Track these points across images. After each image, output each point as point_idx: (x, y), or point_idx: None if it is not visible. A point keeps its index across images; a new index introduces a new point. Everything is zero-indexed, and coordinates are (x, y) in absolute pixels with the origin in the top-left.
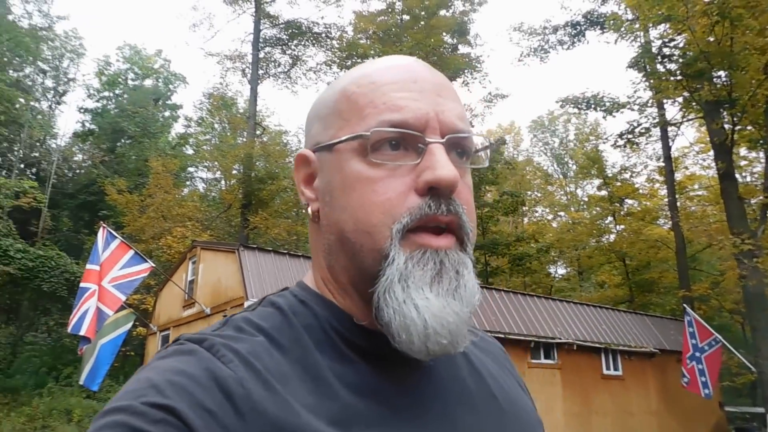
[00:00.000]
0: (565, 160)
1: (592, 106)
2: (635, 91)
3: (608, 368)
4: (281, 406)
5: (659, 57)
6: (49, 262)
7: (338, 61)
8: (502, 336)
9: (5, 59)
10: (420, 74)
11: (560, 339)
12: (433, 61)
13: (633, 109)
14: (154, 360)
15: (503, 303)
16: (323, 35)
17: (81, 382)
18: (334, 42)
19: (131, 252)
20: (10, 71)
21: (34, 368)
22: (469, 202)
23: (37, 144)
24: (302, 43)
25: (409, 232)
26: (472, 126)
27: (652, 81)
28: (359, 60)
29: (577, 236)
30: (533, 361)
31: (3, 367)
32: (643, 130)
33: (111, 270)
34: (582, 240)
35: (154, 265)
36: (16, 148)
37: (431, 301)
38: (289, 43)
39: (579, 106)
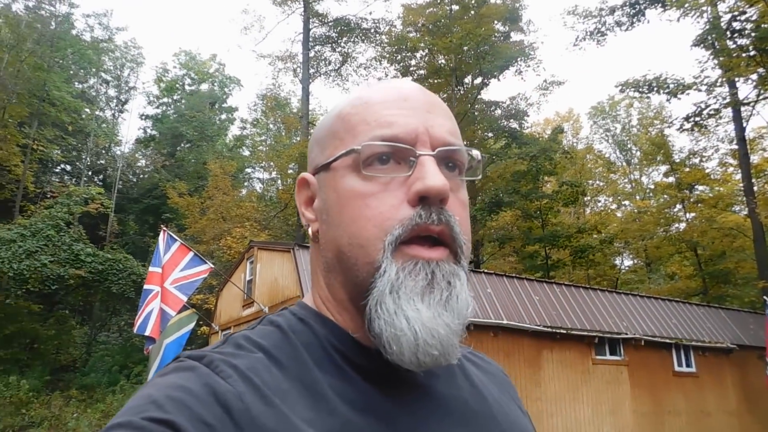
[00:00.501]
0: (628, 146)
1: (655, 88)
2: (702, 71)
3: (680, 365)
4: (280, 420)
5: (729, 32)
6: (117, 264)
7: (388, 55)
8: (564, 331)
9: (71, 72)
10: (411, 93)
11: (627, 334)
12: (484, 51)
13: (700, 90)
14: (155, 377)
15: (564, 297)
16: (372, 31)
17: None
18: (383, 37)
19: (191, 254)
20: (76, 83)
21: (107, 366)
22: (462, 215)
23: (103, 151)
24: (351, 39)
25: (401, 245)
26: (521, 116)
27: (721, 59)
28: (409, 54)
29: (643, 226)
30: (598, 357)
31: (79, 366)
32: (712, 112)
33: (172, 272)
34: (649, 230)
35: (213, 266)
36: (83, 157)
37: (422, 312)
38: (339, 41)
39: (640, 89)
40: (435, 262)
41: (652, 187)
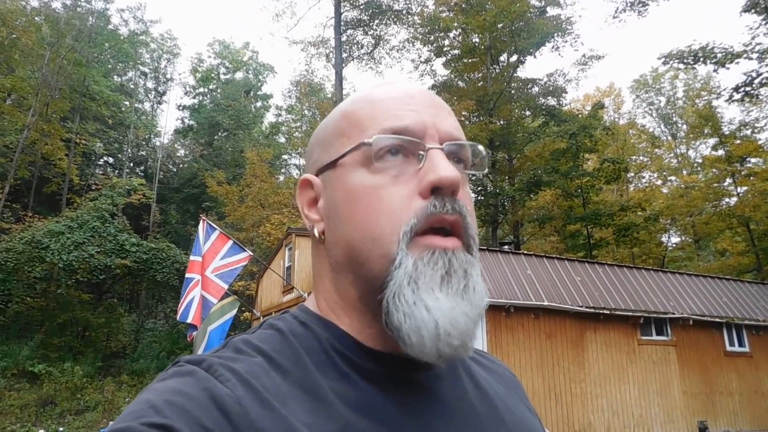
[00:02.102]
0: (674, 119)
1: (701, 59)
2: (753, 38)
3: (732, 344)
4: (279, 424)
5: None
6: (160, 253)
7: (421, 37)
8: (608, 312)
9: (109, 66)
10: (416, 92)
11: (673, 314)
12: (519, 28)
13: (751, 58)
14: (153, 382)
15: (607, 277)
16: (404, 12)
17: None
18: (416, 18)
19: (230, 242)
20: (115, 77)
21: (155, 353)
22: (470, 209)
23: (143, 143)
24: (383, 22)
25: (416, 236)
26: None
27: None
28: (442, 34)
29: (691, 201)
30: (644, 338)
31: (129, 352)
32: (764, 81)
33: (213, 260)
34: (697, 205)
35: (252, 253)
36: (125, 149)
37: (441, 302)
38: (371, 24)
39: (685, 60)
40: (451, 251)
41: (700, 161)
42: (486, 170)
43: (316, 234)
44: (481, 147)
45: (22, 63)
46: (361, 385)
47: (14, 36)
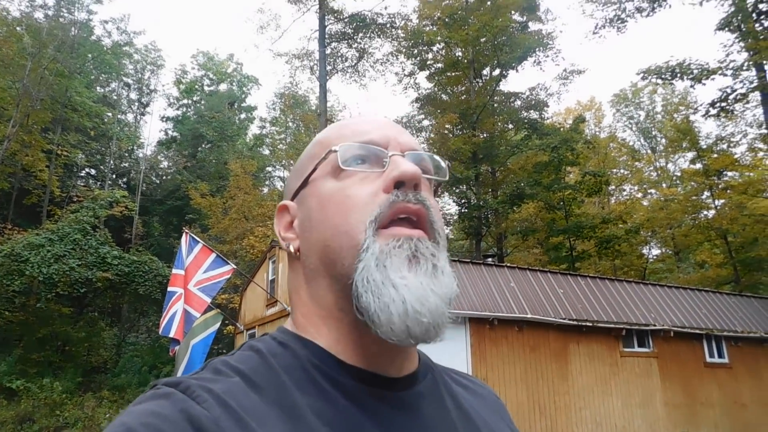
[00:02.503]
0: (653, 133)
1: (678, 75)
2: (728, 55)
3: (712, 356)
4: None
5: (755, 14)
6: (143, 266)
7: (404, 50)
8: (590, 324)
9: (92, 77)
10: (380, 118)
11: (655, 326)
12: (502, 42)
13: (726, 75)
14: (131, 405)
15: (590, 290)
16: (388, 26)
17: None
18: (399, 31)
19: (213, 255)
20: (98, 88)
21: (137, 367)
22: (434, 208)
23: (126, 154)
24: (367, 35)
25: (381, 228)
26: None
27: (749, 41)
28: (425, 48)
29: (670, 214)
30: (626, 350)
31: (110, 367)
32: (739, 96)
33: (195, 274)
34: (676, 218)
35: (235, 267)
36: (107, 160)
37: (409, 280)
38: (355, 37)
39: (663, 76)
40: (417, 238)
41: (679, 174)
42: (447, 177)
43: (292, 250)
44: (439, 158)
45: (2, 73)
46: (340, 402)
47: None
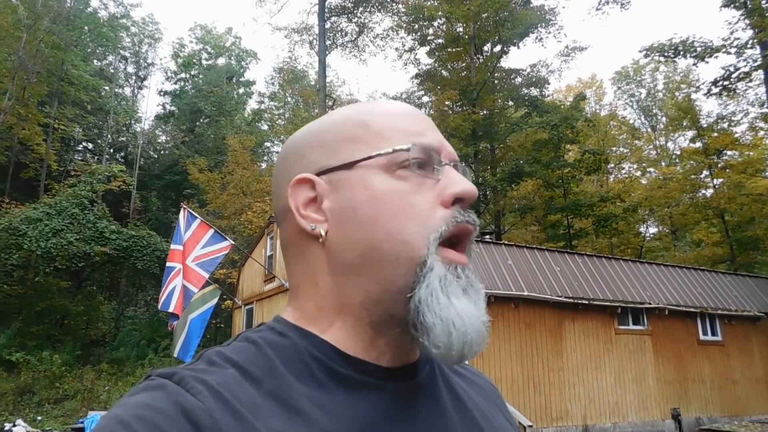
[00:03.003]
0: (654, 112)
1: (681, 52)
2: (732, 32)
3: (705, 333)
4: None
5: None
6: (141, 241)
7: (405, 25)
8: (586, 302)
9: (88, 50)
10: (420, 113)
11: (650, 304)
12: (504, 18)
13: (729, 53)
14: (124, 397)
15: (586, 268)
16: (388, 0)
17: (175, 355)
18: (400, 6)
19: (211, 231)
20: (95, 61)
21: (135, 341)
22: None
23: (124, 129)
24: (368, 9)
25: (439, 245)
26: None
27: (754, 18)
28: (426, 23)
29: (668, 193)
30: (621, 327)
31: (108, 341)
32: (742, 75)
33: (194, 249)
34: (674, 196)
35: (233, 242)
36: (104, 134)
37: (469, 308)
38: (355, 11)
39: (666, 54)
40: (465, 267)
41: (678, 153)
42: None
43: (322, 233)
44: (467, 169)
45: None
46: (339, 393)
47: None
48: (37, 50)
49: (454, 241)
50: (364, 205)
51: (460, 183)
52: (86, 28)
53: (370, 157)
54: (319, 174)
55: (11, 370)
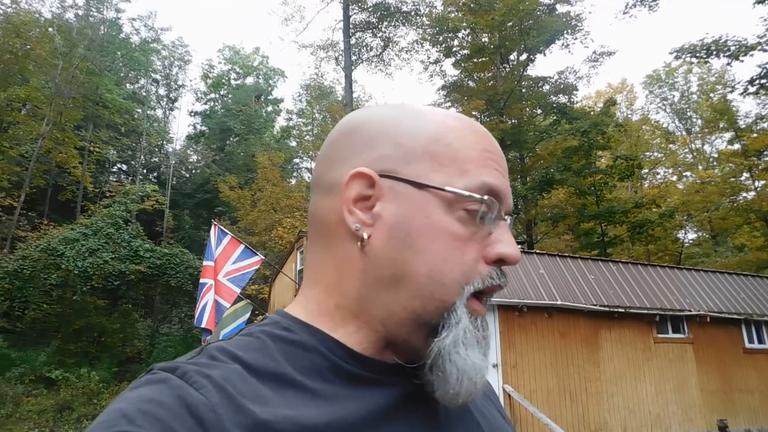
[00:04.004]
0: (688, 114)
1: (714, 52)
2: (767, 29)
3: (751, 341)
4: (255, 430)
5: None
6: (174, 259)
7: (429, 37)
8: (622, 310)
9: (121, 74)
10: (493, 142)
11: (690, 311)
12: (529, 26)
13: (766, 50)
14: (126, 391)
15: (621, 275)
16: (412, 13)
17: None
18: (424, 19)
19: (242, 246)
20: (127, 85)
21: (170, 357)
22: None
23: (156, 149)
24: (392, 24)
25: (470, 296)
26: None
27: None
28: (451, 35)
29: (707, 197)
30: (660, 336)
31: (144, 357)
32: None
33: (225, 265)
34: (713, 200)
35: (264, 257)
36: (137, 155)
37: (481, 360)
38: (379, 26)
39: (698, 54)
40: (483, 317)
41: (716, 155)
42: None
43: (365, 237)
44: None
45: (35, 73)
46: (345, 387)
47: (28, 47)
48: (73, 76)
49: (478, 294)
50: (419, 232)
51: (509, 246)
52: (119, 53)
53: (443, 189)
54: (382, 175)
55: (51, 387)
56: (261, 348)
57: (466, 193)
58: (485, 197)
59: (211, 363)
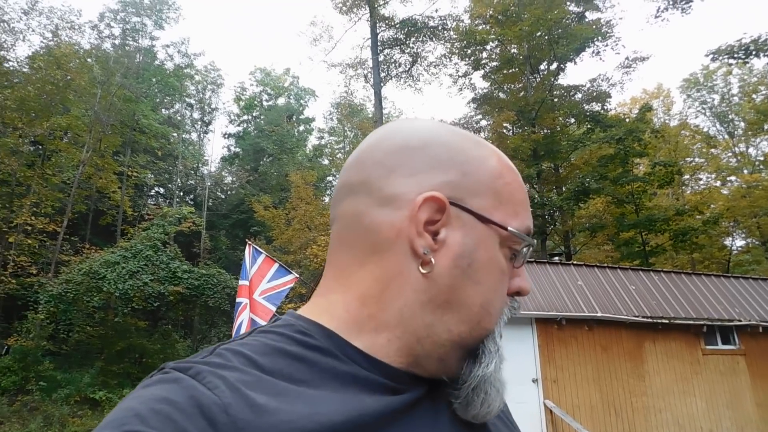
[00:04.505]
0: (730, 117)
1: (753, 52)
2: None
3: None
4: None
5: None
6: (211, 279)
7: (458, 51)
8: (667, 321)
9: (156, 100)
10: (522, 184)
11: (740, 321)
12: (558, 35)
13: None
14: (137, 389)
15: (665, 285)
16: (440, 28)
17: None
18: (452, 33)
19: (276, 265)
20: (163, 110)
21: None
22: None
23: (192, 172)
24: (420, 39)
25: None
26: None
27: None
28: (479, 48)
29: (754, 201)
30: (708, 347)
31: None
32: None
33: (260, 283)
34: (761, 205)
35: (298, 276)
36: (174, 178)
37: (504, 384)
38: (407, 42)
39: (736, 55)
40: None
41: (762, 158)
42: None
43: (432, 261)
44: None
45: (75, 102)
46: (361, 392)
47: (69, 78)
48: (111, 104)
49: None
50: (480, 264)
51: (526, 280)
52: (154, 79)
53: (504, 228)
54: (451, 203)
55: (95, 408)
56: (274, 349)
57: (524, 235)
58: (532, 241)
59: (225, 363)
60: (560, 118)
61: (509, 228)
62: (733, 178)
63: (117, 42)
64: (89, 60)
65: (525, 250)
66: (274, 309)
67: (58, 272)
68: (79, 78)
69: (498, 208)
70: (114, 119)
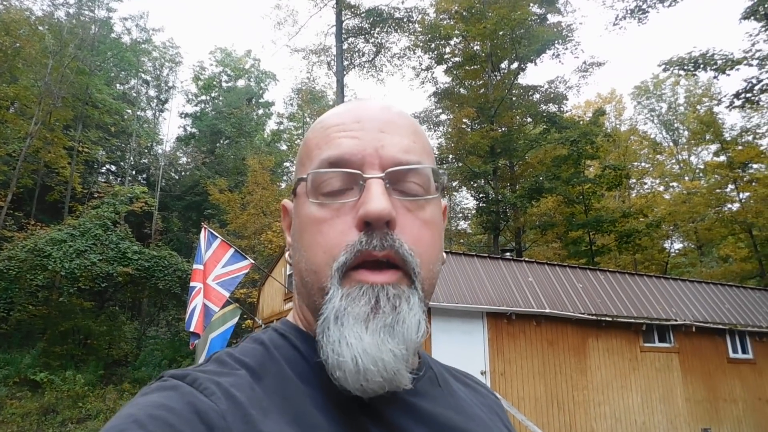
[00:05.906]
0: (675, 126)
1: (701, 65)
2: (753, 44)
3: (735, 351)
4: None
5: None
6: (162, 261)
7: (422, 44)
8: (610, 319)
9: (111, 74)
10: (366, 113)
11: (676, 320)
12: (520, 35)
13: (751, 65)
14: (137, 396)
15: (609, 284)
16: (405, 20)
17: None
18: (417, 26)
19: (232, 250)
20: (117, 85)
21: (157, 361)
22: (423, 235)
23: (145, 151)
24: (384, 30)
25: (350, 270)
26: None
27: None
28: (443, 42)
29: (693, 207)
30: (646, 345)
31: (131, 360)
32: (765, 87)
33: (214, 268)
34: (699, 211)
35: (253, 261)
36: (127, 156)
37: (364, 340)
38: (372, 32)
39: (686, 67)
40: (380, 286)
41: (702, 167)
42: (438, 192)
43: (287, 257)
44: (432, 167)
45: (25, 72)
46: (340, 396)
47: (18, 45)
48: (63, 76)
49: (380, 261)
50: (298, 232)
51: (367, 203)
52: (109, 53)
53: (299, 182)
54: (294, 195)
55: (35, 389)
56: (265, 355)
57: (305, 174)
58: (306, 175)
59: (220, 370)
60: (518, 117)
61: (306, 175)
62: (675, 184)
63: (71, 11)
64: (41, 28)
65: (343, 179)
66: (227, 295)
67: (0, 248)
68: (29, 46)
69: (301, 171)
70: (66, 92)
